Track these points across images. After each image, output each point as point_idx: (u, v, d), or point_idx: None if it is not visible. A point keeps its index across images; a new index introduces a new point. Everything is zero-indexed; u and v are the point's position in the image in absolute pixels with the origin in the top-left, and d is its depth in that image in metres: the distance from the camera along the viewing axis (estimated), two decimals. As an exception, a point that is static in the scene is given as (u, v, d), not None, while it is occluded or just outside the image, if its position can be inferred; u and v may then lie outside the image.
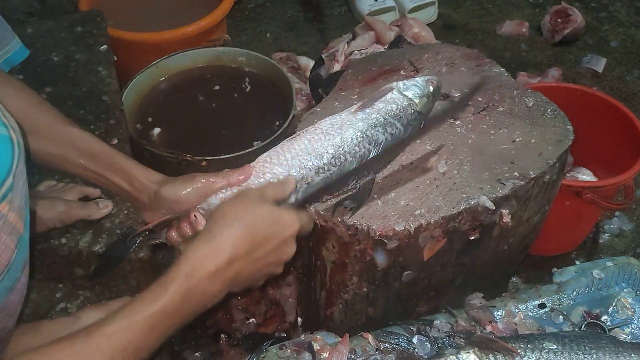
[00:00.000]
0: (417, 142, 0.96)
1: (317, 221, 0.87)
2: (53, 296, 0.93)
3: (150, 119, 1.45)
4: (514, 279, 1.36)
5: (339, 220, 0.85)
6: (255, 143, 1.32)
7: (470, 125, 0.99)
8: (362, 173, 0.86)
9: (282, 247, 0.75)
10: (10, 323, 0.66)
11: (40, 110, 0.83)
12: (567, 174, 1.39)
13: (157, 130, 1.42)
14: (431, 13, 2.17)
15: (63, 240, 1.01)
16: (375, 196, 0.88)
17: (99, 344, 0.60)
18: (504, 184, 0.89)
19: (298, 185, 0.80)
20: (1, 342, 0.67)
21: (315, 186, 0.81)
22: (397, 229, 0.84)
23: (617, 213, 1.50)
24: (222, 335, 1.29)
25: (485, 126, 0.99)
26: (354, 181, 0.86)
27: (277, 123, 1.41)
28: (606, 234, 1.48)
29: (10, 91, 0.80)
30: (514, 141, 0.96)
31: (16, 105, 0.78)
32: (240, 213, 0.71)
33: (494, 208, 0.87)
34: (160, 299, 0.64)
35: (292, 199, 0.80)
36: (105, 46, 1.39)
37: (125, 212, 1.06)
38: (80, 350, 0.60)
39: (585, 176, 1.46)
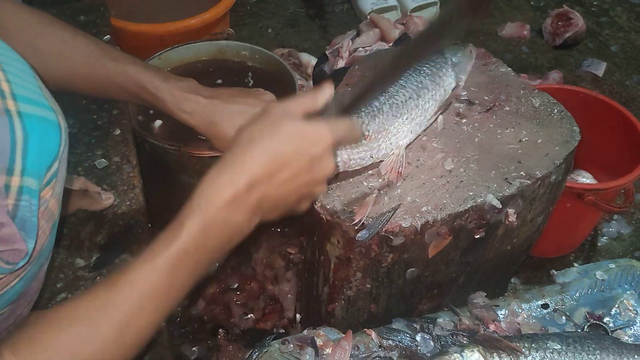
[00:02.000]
0: (424, 139, 0.96)
1: (323, 216, 0.86)
2: (54, 286, 0.92)
3: (151, 111, 1.43)
4: (513, 279, 1.37)
5: (345, 216, 0.85)
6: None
7: (477, 124, 0.99)
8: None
9: (316, 165, 0.65)
10: (27, 310, 0.66)
11: (75, 46, 0.80)
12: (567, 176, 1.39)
13: (158, 122, 1.40)
14: (433, 13, 2.17)
15: (65, 231, 0.99)
16: (382, 192, 0.88)
17: (124, 292, 0.57)
18: (511, 183, 0.89)
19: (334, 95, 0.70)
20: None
21: (356, 93, 0.72)
22: (403, 225, 0.84)
23: (615, 216, 1.51)
24: (220, 330, 1.29)
25: (492, 125, 0.99)
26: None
27: (280, 118, 1.40)
28: (605, 237, 1.48)
29: (41, 31, 0.78)
30: (520, 141, 0.96)
31: (50, 44, 0.78)
32: (256, 135, 0.63)
33: (500, 207, 0.87)
34: (178, 238, 0.59)
35: (332, 109, 0.69)
36: (108, 36, 1.38)
37: (127, 203, 1.05)
38: (108, 300, 0.56)
39: (586, 179, 1.47)
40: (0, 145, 0.48)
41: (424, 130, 0.96)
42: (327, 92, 0.69)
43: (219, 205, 0.61)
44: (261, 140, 0.63)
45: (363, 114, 0.87)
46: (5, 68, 0.51)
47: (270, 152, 0.63)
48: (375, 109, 0.88)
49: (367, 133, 0.86)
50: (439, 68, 0.95)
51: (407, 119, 0.90)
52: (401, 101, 0.90)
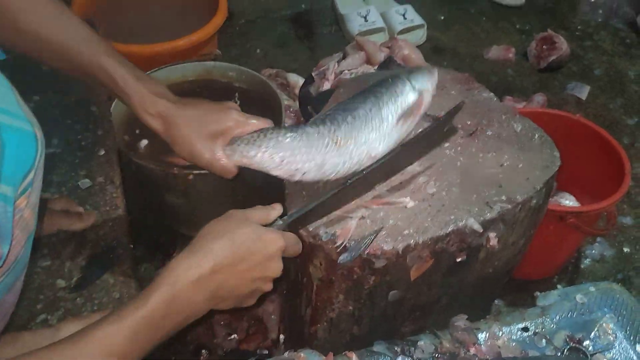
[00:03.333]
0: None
1: (305, 238, 0.87)
2: (34, 307, 0.92)
3: (137, 131, 1.43)
4: (497, 301, 1.37)
5: (328, 239, 0.85)
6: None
7: (459, 148, 1.00)
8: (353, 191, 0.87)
9: (267, 263, 0.76)
10: (1, 326, 0.66)
11: (56, 25, 0.81)
12: (550, 199, 1.41)
13: (144, 142, 1.40)
14: (420, 35, 2.20)
15: (45, 251, 0.99)
16: (364, 216, 0.89)
17: (85, 349, 0.60)
18: (492, 207, 0.90)
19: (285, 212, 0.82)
20: None
21: (302, 212, 0.82)
22: (385, 248, 0.84)
23: (598, 239, 1.52)
24: (203, 350, 1.28)
25: (474, 149, 1.00)
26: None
27: (266, 139, 1.40)
28: (587, 259, 1.50)
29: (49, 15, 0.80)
30: (502, 165, 0.97)
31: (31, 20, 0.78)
32: (223, 229, 0.74)
33: (481, 230, 0.87)
34: (144, 306, 0.65)
35: (279, 223, 0.80)
36: None
37: (110, 224, 1.05)
38: (67, 354, 0.60)
39: (568, 201, 1.48)
40: None
41: (398, 142, 0.95)
42: (277, 209, 0.81)
43: (185, 282, 0.68)
44: (225, 235, 0.73)
45: (328, 122, 0.89)
46: None
47: (233, 245, 0.72)
48: (340, 119, 0.89)
49: (336, 139, 0.88)
50: (394, 83, 0.95)
51: (372, 128, 0.90)
52: (362, 113, 0.90)
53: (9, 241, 0.54)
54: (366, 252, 0.84)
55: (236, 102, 1.51)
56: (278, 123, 1.41)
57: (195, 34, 1.66)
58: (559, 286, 1.43)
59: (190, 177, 1.26)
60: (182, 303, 0.68)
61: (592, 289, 0.98)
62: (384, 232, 0.86)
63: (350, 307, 0.94)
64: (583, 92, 1.99)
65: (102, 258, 0.99)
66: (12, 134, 0.52)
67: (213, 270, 0.70)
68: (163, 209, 1.49)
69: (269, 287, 0.78)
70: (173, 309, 0.68)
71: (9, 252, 0.54)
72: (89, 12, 1.74)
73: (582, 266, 1.48)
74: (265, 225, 0.78)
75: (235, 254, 0.72)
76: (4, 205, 0.52)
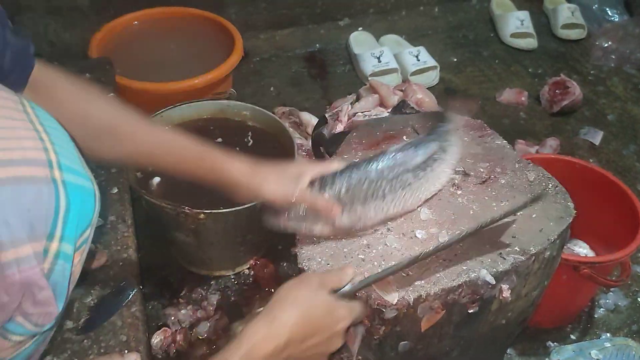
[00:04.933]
0: (419, 209, 0.97)
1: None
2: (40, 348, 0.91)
3: (150, 168, 1.44)
4: (508, 351, 1.34)
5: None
6: (254, 199, 1.32)
7: (472, 196, 1.00)
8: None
9: (332, 339, 0.78)
10: None
11: (127, 112, 0.87)
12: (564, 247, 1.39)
13: (156, 179, 1.41)
14: (433, 77, 2.22)
15: (55, 290, 0.99)
16: (376, 263, 0.88)
17: None
18: (505, 259, 0.88)
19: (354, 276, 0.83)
20: None
21: (370, 280, 0.83)
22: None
23: (612, 288, 1.49)
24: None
25: (486, 198, 1.00)
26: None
27: (278, 179, 1.41)
28: (602, 309, 1.47)
29: (97, 97, 0.85)
30: (515, 215, 0.96)
31: (104, 109, 0.85)
32: (300, 298, 0.75)
33: (494, 282, 0.86)
34: None
35: (347, 287, 0.81)
36: (112, 94, 1.40)
37: (120, 264, 1.05)
38: None
39: (582, 249, 1.46)
40: (46, 212, 0.50)
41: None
42: (350, 273, 0.82)
43: (260, 354, 0.70)
44: (302, 305, 0.74)
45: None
46: (53, 140, 0.53)
47: (308, 320, 0.74)
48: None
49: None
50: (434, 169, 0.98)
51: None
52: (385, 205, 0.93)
53: (63, 299, 0.54)
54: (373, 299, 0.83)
55: (249, 141, 1.52)
56: (290, 162, 1.42)
57: (211, 73, 1.68)
58: (572, 336, 1.40)
59: (201, 216, 1.26)
60: None
61: (607, 344, 0.96)
62: (395, 282, 0.85)
63: (360, 357, 0.92)
64: (596, 137, 1.99)
65: (111, 299, 0.98)
66: (77, 192, 0.53)
67: (286, 344, 0.72)
68: (173, 246, 1.49)
69: None
70: None
71: (62, 309, 0.55)
72: (106, 49, 1.77)
73: (596, 316, 1.45)
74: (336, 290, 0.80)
75: (307, 328, 0.74)
76: (64, 264, 0.52)
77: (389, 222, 0.95)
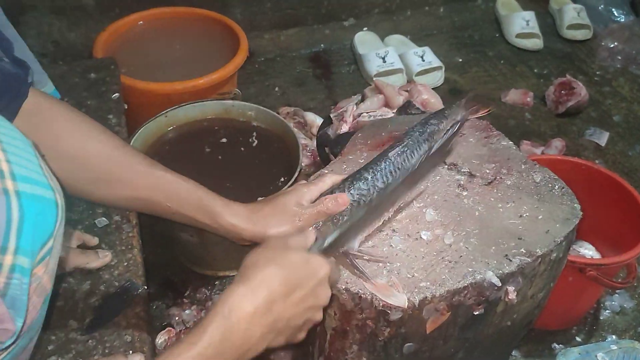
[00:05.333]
0: (424, 210, 0.96)
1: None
2: (45, 348, 0.91)
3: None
4: (513, 352, 1.34)
5: (343, 288, 0.84)
6: (259, 199, 1.31)
7: (477, 197, 0.99)
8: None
9: (318, 290, 0.74)
10: None
11: (125, 153, 0.84)
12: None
13: (161, 179, 1.41)
14: (438, 77, 2.21)
15: (60, 291, 0.99)
16: (381, 264, 0.87)
17: None
18: (511, 260, 0.88)
19: (318, 236, 0.82)
20: None
21: (335, 237, 0.81)
22: (401, 300, 0.83)
23: (618, 290, 1.49)
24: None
25: (492, 199, 0.99)
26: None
27: (282, 179, 1.40)
28: (607, 311, 1.46)
29: (95, 135, 0.82)
30: (521, 216, 0.96)
31: (101, 150, 0.81)
32: (271, 256, 0.72)
33: (500, 284, 0.86)
34: (199, 342, 0.63)
35: (314, 250, 0.79)
36: (117, 94, 1.40)
37: (125, 264, 1.05)
38: None
39: (588, 251, 1.46)
40: None
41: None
42: (311, 234, 0.81)
43: (241, 314, 0.66)
44: (274, 261, 0.70)
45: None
46: (6, 148, 0.52)
47: (285, 272, 0.70)
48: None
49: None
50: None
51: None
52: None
53: (23, 314, 0.53)
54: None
55: (254, 141, 1.52)
56: (295, 162, 1.42)
57: (216, 73, 1.68)
58: (577, 338, 1.39)
59: (206, 216, 1.26)
60: (239, 336, 0.66)
61: (613, 347, 0.95)
62: (400, 284, 0.84)
63: (364, 359, 0.92)
64: (602, 138, 1.98)
65: (116, 300, 0.98)
66: (33, 203, 0.52)
67: (269, 301, 0.68)
68: (177, 247, 1.49)
69: (320, 316, 0.76)
70: (229, 344, 0.65)
71: (24, 324, 0.53)
72: (111, 49, 1.77)
73: (602, 318, 1.45)
74: None
75: (289, 282, 0.70)
76: (20, 278, 0.51)
77: (393, 224, 0.94)
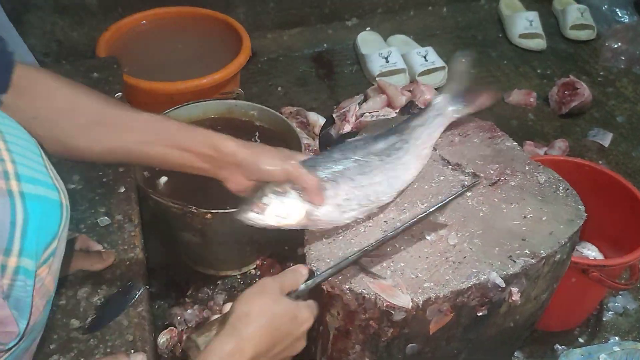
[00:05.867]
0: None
1: (324, 287, 0.85)
2: (47, 347, 0.91)
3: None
4: (516, 353, 1.33)
5: (346, 288, 0.84)
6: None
7: (481, 198, 0.99)
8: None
9: (296, 342, 0.76)
10: None
11: (117, 105, 0.83)
12: (573, 249, 1.38)
13: (164, 178, 1.41)
14: (440, 78, 2.20)
15: (62, 290, 0.98)
16: (385, 265, 0.87)
17: None
18: (515, 262, 0.88)
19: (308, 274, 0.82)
20: None
21: (324, 276, 0.83)
22: (404, 301, 0.82)
23: (621, 292, 1.48)
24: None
25: (496, 200, 0.99)
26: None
27: (285, 179, 1.40)
28: (610, 312, 1.45)
29: (84, 90, 0.81)
30: (525, 217, 0.95)
31: (93, 98, 0.80)
32: (262, 309, 0.72)
33: (504, 285, 0.85)
34: None
35: (302, 287, 0.80)
36: (119, 94, 1.40)
37: (127, 263, 1.05)
38: None
39: (591, 252, 1.45)
40: (1, 226, 0.48)
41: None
42: (304, 273, 0.81)
43: None
44: (264, 317, 0.71)
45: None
46: (11, 148, 0.51)
47: (272, 330, 0.72)
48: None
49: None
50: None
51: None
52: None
53: (27, 315, 0.53)
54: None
55: (256, 141, 1.52)
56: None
57: (219, 72, 1.68)
58: (580, 339, 1.39)
59: (208, 216, 1.26)
60: None
61: (616, 348, 0.95)
62: (404, 284, 0.84)
63: (367, 359, 0.92)
64: (605, 139, 1.97)
65: (118, 299, 0.98)
66: (37, 204, 0.51)
67: (253, 358, 0.70)
68: (179, 246, 1.49)
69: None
70: None
71: (27, 325, 0.53)
72: (114, 49, 1.77)
73: (605, 319, 1.44)
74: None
75: (273, 338, 0.72)
76: (24, 279, 0.51)
77: (397, 224, 0.94)
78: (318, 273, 0.83)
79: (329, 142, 1.45)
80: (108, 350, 0.92)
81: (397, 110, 1.46)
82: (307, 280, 0.80)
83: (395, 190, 0.97)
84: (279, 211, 0.87)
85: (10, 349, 0.53)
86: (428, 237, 0.92)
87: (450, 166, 1.05)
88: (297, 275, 0.80)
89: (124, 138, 0.82)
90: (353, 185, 0.91)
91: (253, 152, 0.86)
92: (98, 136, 0.80)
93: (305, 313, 0.77)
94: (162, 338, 1.24)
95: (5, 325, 0.50)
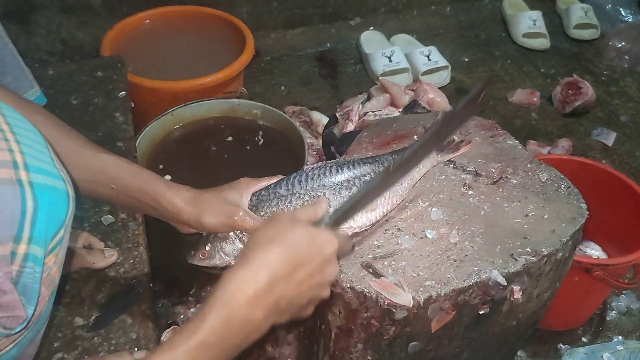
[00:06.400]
0: (430, 209, 0.96)
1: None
2: (51, 345, 0.91)
3: (161, 166, 1.45)
4: (519, 353, 1.33)
5: (348, 287, 0.84)
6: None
7: (483, 196, 0.99)
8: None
9: (325, 267, 0.70)
10: None
11: (70, 137, 0.83)
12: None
13: (167, 177, 1.41)
14: (444, 77, 2.21)
15: (66, 287, 0.99)
16: (386, 263, 0.87)
17: None
18: (516, 260, 0.88)
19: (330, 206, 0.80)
20: None
21: (346, 206, 0.78)
22: (406, 299, 0.83)
23: (625, 291, 1.48)
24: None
25: (498, 198, 0.99)
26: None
27: (288, 178, 1.41)
28: (614, 312, 1.45)
29: (41, 120, 0.80)
30: (527, 215, 0.95)
31: (47, 134, 0.79)
32: (273, 235, 0.68)
33: (505, 284, 0.85)
34: (199, 330, 0.61)
35: (326, 221, 0.75)
36: (123, 92, 1.41)
37: (131, 261, 1.05)
38: None
39: (594, 251, 1.45)
40: (11, 214, 0.49)
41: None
42: (323, 206, 0.77)
43: (241, 299, 0.63)
44: (278, 240, 0.67)
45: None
46: (20, 140, 0.53)
47: (288, 252, 0.66)
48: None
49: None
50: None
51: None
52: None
53: (34, 302, 0.53)
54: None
55: (260, 140, 1.52)
56: (301, 161, 1.42)
57: (222, 71, 1.68)
58: (583, 338, 1.39)
59: (211, 215, 1.26)
60: (240, 322, 0.63)
61: (620, 347, 0.95)
62: (405, 283, 0.84)
63: (369, 358, 0.92)
64: (609, 138, 1.97)
65: (122, 297, 0.98)
66: (46, 193, 0.52)
67: (270, 283, 0.64)
68: (183, 243, 1.49)
69: (327, 293, 0.73)
70: (231, 330, 0.63)
71: (34, 312, 0.54)
72: (118, 48, 1.78)
73: (608, 318, 1.44)
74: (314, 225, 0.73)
75: (291, 261, 0.66)
76: (33, 266, 0.52)
77: (399, 222, 0.94)
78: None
79: (332, 141, 1.46)
80: (112, 348, 0.93)
81: (400, 110, 1.46)
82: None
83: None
84: (221, 254, 0.90)
85: (16, 334, 0.54)
86: (429, 236, 0.92)
87: (452, 164, 1.06)
88: (315, 207, 0.76)
89: (77, 177, 0.81)
90: None
91: (196, 210, 0.85)
92: None
93: (326, 236, 0.71)
94: (166, 336, 1.25)
95: (13, 309, 0.51)
